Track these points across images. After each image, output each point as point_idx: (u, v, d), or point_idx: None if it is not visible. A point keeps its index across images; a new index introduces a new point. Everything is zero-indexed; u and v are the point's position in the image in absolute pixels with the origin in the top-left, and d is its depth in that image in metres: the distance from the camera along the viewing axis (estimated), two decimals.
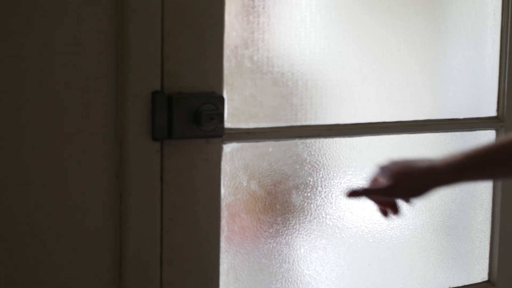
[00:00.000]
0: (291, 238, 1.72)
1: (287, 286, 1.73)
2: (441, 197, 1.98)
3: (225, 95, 1.54)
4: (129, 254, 1.46)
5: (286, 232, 1.72)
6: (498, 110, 2.01)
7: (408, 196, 1.49)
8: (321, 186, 1.77)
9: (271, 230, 1.69)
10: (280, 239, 1.71)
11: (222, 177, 1.53)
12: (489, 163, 1.45)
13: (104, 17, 1.42)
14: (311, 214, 1.76)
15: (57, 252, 1.42)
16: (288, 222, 1.72)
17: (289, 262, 1.72)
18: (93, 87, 1.42)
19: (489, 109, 2.02)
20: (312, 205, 1.76)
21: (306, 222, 1.75)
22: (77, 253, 1.44)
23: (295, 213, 1.73)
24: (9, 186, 1.37)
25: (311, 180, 1.75)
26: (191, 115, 1.44)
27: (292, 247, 1.72)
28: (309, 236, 1.75)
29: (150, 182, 1.46)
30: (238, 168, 1.63)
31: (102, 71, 1.43)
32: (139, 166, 1.45)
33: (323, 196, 1.77)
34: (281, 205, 1.71)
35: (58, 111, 1.39)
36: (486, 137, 2.03)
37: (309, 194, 1.75)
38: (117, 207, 1.46)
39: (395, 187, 1.48)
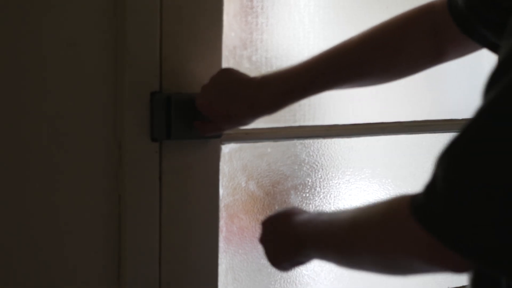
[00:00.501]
0: None
1: (285, 286, 1.73)
2: None
3: None
4: (127, 255, 1.45)
5: None
6: None
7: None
8: (320, 187, 1.76)
9: None
10: None
11: (220, 177, 1.53)
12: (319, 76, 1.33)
13: (102, 17, 1.41)
14: None
15: (55, 252, 1.42)
16: None
17: None
18: (91, 88, 1.41)
19: None
20: (310, 206, 1.76)
21: None
22: (75, 254, 1.43)
23: None
24: (7, 187, 1.37)
25: (310, 180, 1.75)
26: (189, 116, 1.44)
27: None
28: None
29: (149, 182, 1.46)
30: (236, 168, 1.63)
31: (100, 71, 1.41)
32: (138, 167, 1.45)
33: (321, 196, 1.77)
34: (280, 205, 1.70)
35: (56, 111, 1.39)
36: None
37: (307, 195, 1.75)
38: (116, 207, 1.45)
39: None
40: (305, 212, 1.30)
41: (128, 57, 1.42)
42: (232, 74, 1.39)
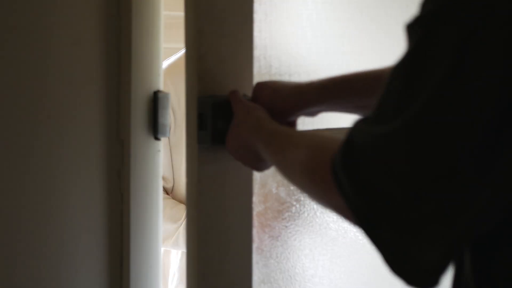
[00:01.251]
0: None
1: None
2: None
3: None
4: (129, 254, 1.44)
5: None
6: None
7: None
8: None
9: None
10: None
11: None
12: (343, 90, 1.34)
13: (105, 17, 1.42)
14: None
15: (57, 251, 1.40)
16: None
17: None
18: (95, 86, 1.42)
19: None
20: None
21: None
22: (77, 253, 1.42)
23: None
24: (9, 185, 1.35)
25: None
26: (229, 119, 1.34)
27: None
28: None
29: (152, 181, 1.45)
30: (267, 174, 1.55)
31: (103, 70, 1.42)
32: (141, 165, 1.44)
33: None
34: (308, 213, 1.64)
35: (60, 109, 1.39)
36: None
37: None
38: (119, 206, 1.45)
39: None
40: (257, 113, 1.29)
41: (131, 56, 1.42)
42: None
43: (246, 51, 1.40)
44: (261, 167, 1.30)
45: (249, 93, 1.39)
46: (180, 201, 2.36)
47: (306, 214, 1.62)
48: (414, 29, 0.89)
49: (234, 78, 1.38)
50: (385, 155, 0.89)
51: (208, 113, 1.32)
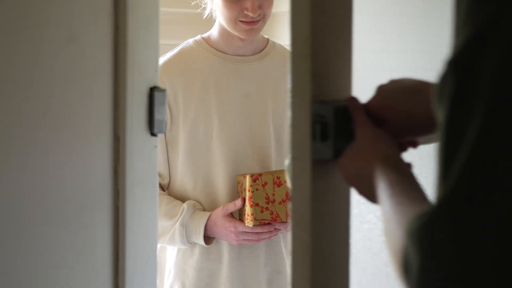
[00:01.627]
0: None
1: None
2: None
3: None
4: (125, 250, 1.44)
5: None
6: None
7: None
8: None
9: None
10: None
11: None
12: None
13: (102, 12, 1.42)
14: None
15: (53, 249, 1.40)
16: None
17: None
18: (91, 82, 1.42)
19: None
20: None
21: None
22: (73, 249, 1.42)
23: None
24: (5, 183, 1.33)
25: None
26: (348, 131, 1.16)
27: None
28: None
29: (148, 176, 1.45)
30: None
31: (100, 66, 1.43)
32: (137, 161, 1.45)
33: None
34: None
35: (56, 106, 1.38)
36: None
37: None
38: (115, 202, 1.46)
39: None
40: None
41: (128, 52, 1.41)
42: (405, 78, 1.20)
43: (349, 48, 1.23)
44: (378, 201, 1.10)
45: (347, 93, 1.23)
46: (176, 198, 2.28)
47: None
48: (447, 83, 0.78)
49: (336, 79, 1.21)
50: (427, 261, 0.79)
51: (329, 121, 1.14)
